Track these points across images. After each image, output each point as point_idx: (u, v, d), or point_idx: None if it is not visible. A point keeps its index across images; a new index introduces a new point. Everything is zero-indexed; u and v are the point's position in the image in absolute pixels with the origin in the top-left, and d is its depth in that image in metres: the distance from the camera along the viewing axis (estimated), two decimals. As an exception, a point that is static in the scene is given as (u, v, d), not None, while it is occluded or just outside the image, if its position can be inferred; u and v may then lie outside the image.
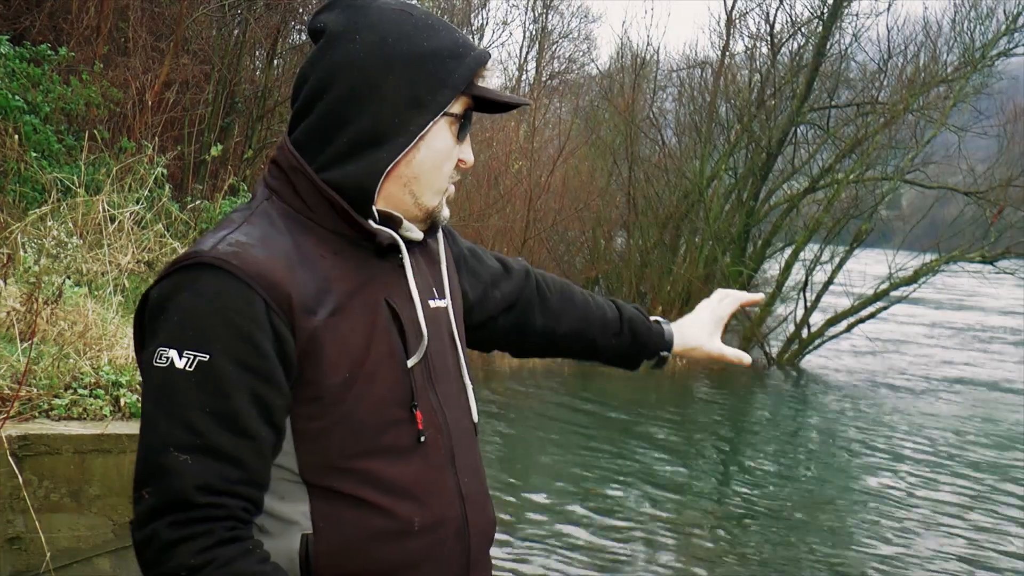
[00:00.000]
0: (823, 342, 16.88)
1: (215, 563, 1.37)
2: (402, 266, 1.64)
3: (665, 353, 2.16)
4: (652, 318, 2.22)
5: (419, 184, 1.61)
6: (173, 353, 1.40)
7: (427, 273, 1.73)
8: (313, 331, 1.46)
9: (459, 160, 1.64)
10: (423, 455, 1.57)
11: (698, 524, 7.46)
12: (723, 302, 2.21)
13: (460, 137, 1.63)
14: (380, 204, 1.59)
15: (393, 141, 1.55)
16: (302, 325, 1.45)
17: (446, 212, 1.69)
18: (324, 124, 1.57)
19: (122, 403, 4.21)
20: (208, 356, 1.39)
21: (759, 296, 2.22)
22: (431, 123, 1.57)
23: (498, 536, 1.82)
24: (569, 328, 2.09)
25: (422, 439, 1.56)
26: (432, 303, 1.69)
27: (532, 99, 18.43)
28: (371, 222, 1.57)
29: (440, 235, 1.76)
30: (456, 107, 1.61)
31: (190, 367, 1.39)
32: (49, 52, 8.48)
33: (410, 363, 1.57)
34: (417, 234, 1.66)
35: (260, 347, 1.41)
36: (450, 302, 1.75)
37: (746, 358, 2.19)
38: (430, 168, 1.60)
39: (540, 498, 7.67)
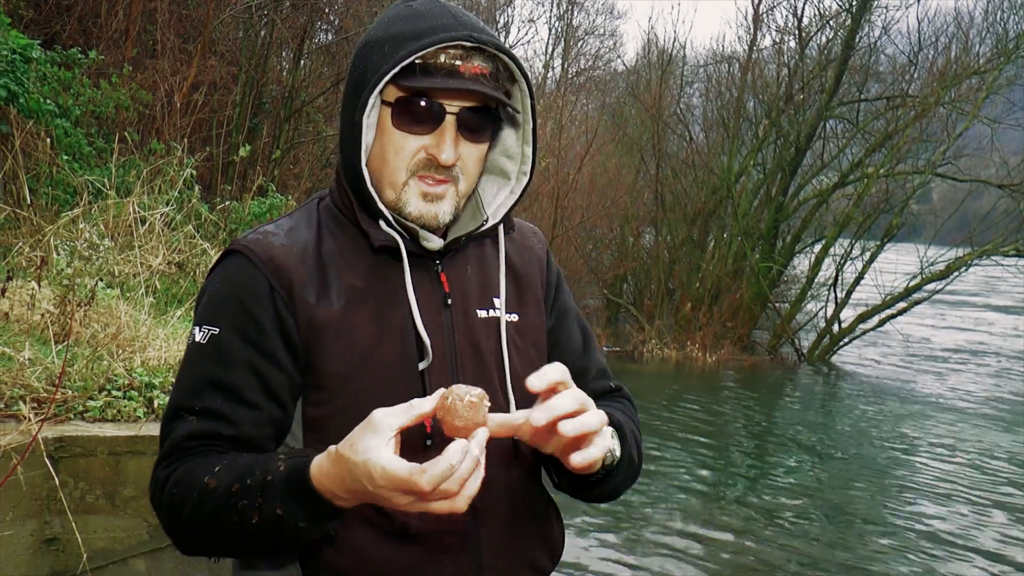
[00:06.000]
0: (854, 338, 16.73)
1: (180, 469, 1.49)
2: (437, 271, 1.63)
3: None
4: None
5: (377, 176, 1.58)
6: (196, 329, 1.56)
7: (483, 281, 1.68)
8: (312, 317, 1.53)
9: (430, 154, 1.54)
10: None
11: (727, 521, 7.40)
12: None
13: (402, 124, 1.54)
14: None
15: (349, 127, 1.55)
16: (301, 309, 1.53)
17: (412, 208, 1.56)
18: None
19: (155, 404, 4.23)
20: (218, 330, 1.53)
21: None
22: (369, 105, 1.52)
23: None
24: None
25: (428, 443, 1.53)
26: (481, 313, 1.65)
27: (559, 96, 18.36)
28: (382, 223, 1.58)
29: (501, 242, 1.69)
30: (396, 92, 1.53)
31: (204, 340, 1.54)
32: (79, 56, 8.55)
33: (421, 366, 1.56)
34: (435, 242, 1.61)
35: (261, 324, 1.52)
36: (506, 314, 1.67)
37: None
38: (379, 157, 1.57)
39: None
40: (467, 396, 1.28)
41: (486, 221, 1.66)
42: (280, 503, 1.37)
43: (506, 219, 1.70)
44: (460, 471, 1.26)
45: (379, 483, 1.26)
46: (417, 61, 1.50)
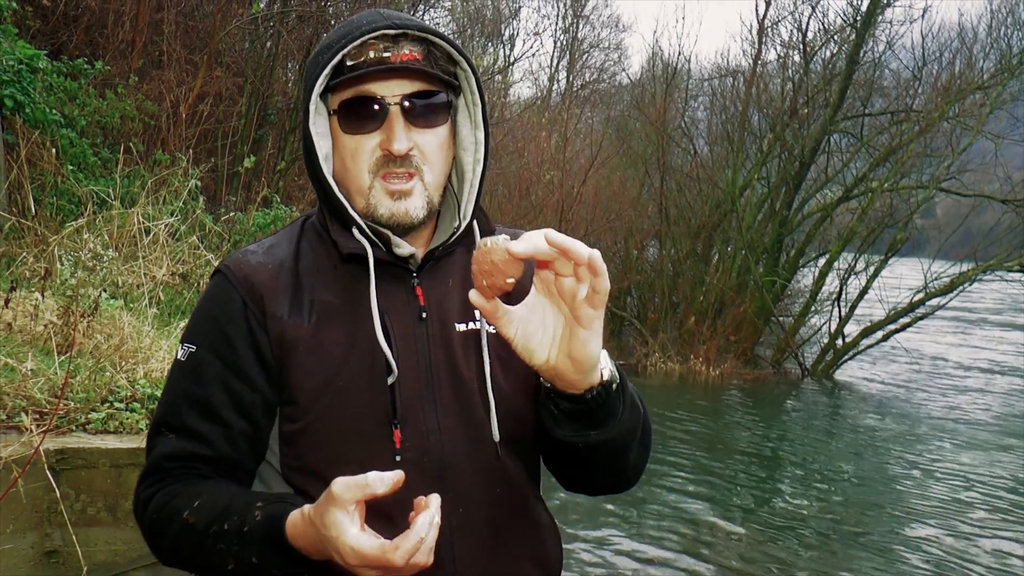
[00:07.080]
0: (858, 353, 16.68)
1: (161, 492, 1.52)
2: (413, 285, 1.61)
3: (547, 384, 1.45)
4: None
5: (346, 188, 1.60)
6: (180, 347, 1.60)
7: (466, 293, 1.59)
8: (283, 333, 1.54)
9: (384, 149, 1.54)
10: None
11: (728, 534, 7.37)
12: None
13: (349, 127, 1.56)
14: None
15: (305, 141, 1.59)
16: (273, 325, 1.55)
17: (383, 209, 1.56)
18: None
19: (158, 416, 4.22)
20: (195, 347, 1.58)
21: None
22: (312, 112, 1.56)
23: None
24: None
25: (397, 458, 1.51)
26: (460, 326, 1.61)
27: (564, 109, 18.38)
28: (354, 230, 1.57)
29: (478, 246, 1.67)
30: (338, 98, 1.56)
31: (184, 358, 1.58)
32: (85, 66, 8.58)
33: (389, 381, 1.53)
34: (406, 249, 1.58)
35: (232, 341, 1.55)
36: (487, 325, 1.61)
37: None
38: (341, 169, 1.60)
39: (572, 506, 7.62)
40: (496, 247, 1.30)
41: (458, 228, 1.64)
42: (256, 554, 1.41)
43: (483, 222, 1.68)
44: (428, 541, 1.28)
45: (350, 560, 1.28)
46: (348, 63, 1.53)
